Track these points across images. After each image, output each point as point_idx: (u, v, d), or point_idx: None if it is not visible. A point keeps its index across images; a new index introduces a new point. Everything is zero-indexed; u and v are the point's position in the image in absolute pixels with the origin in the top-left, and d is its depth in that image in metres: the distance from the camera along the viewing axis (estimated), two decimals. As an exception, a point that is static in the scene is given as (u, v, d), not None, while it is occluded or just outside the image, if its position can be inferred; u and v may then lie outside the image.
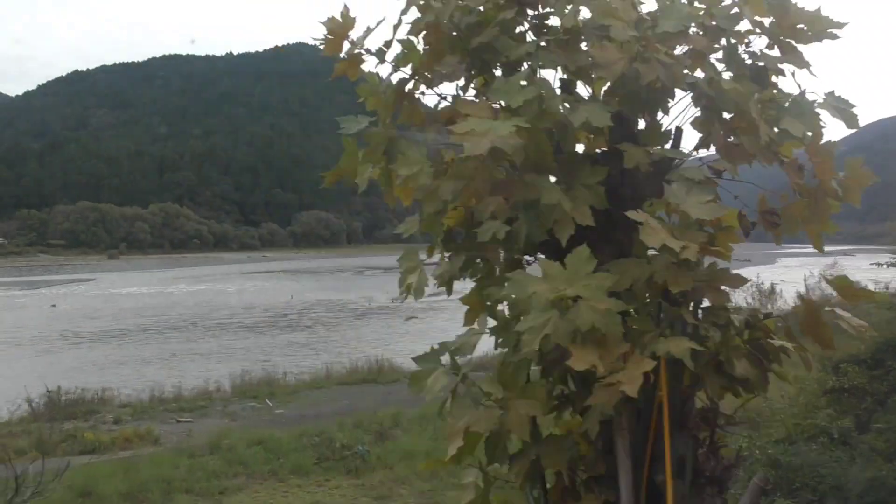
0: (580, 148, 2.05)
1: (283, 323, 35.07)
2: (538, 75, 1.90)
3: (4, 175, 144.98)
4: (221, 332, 31.04)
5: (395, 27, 2.16)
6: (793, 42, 2.01)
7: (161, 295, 51.96)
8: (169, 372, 20.81)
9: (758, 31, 1.98)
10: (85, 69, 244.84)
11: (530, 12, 2.04)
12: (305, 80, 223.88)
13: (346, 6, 2.26)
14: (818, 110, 2.01)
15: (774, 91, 2.04)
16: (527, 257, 2.16)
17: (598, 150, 2.04)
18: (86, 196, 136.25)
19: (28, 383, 18.40)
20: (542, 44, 1.95)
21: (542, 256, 2.05)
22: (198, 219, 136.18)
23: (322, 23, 2.30)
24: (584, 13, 1.93)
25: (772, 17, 1.97)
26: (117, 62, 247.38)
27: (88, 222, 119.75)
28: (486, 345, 2.28)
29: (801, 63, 2.02)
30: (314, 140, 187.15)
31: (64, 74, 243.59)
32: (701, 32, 1.94)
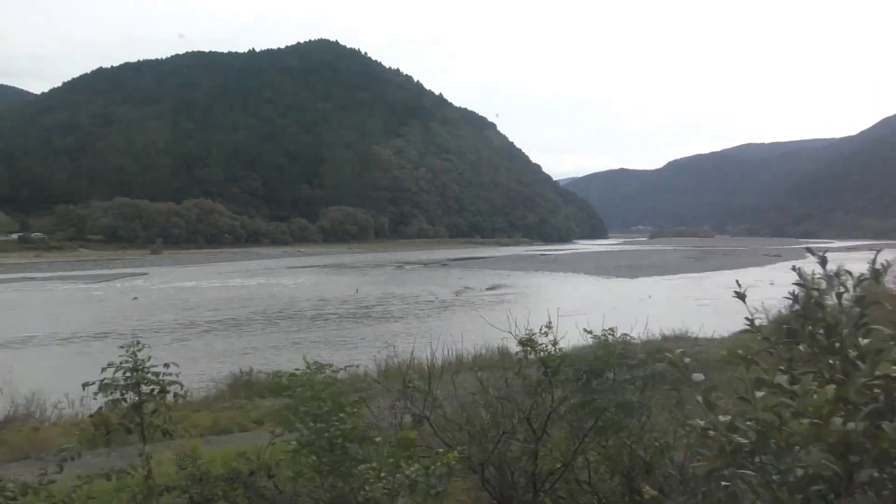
0: None
1: (374, 314, 36.16)
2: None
3: (38, 171, 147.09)
4: (324, 323, 32.15)
5: None
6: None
7: (227, 288, 53.08)
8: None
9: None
10: (109, 66, 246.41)
11: None
12: (327, 76, 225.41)
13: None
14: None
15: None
16: None
17: None
18: (116, 192, 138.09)
19: (196, 366, 19.66)
20: None
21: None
22: (230, 214, 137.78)
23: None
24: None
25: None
26: (141, 59, 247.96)
27: (126, 218, 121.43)
28: None
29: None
30: (339, 136, 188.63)
31: (88, 72, 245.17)
32: None
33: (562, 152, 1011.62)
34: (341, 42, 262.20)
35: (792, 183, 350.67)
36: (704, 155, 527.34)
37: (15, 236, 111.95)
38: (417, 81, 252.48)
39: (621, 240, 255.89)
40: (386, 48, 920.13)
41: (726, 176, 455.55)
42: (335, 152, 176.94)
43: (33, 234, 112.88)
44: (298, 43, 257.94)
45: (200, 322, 31.71)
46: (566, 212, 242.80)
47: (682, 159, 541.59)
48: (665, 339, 18.20)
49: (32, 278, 63.62)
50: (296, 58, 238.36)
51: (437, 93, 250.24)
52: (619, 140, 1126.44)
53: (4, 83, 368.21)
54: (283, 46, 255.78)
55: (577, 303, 37.99)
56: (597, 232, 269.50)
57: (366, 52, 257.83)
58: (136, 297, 44.53)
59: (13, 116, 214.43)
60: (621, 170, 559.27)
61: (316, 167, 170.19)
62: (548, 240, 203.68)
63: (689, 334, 18.56)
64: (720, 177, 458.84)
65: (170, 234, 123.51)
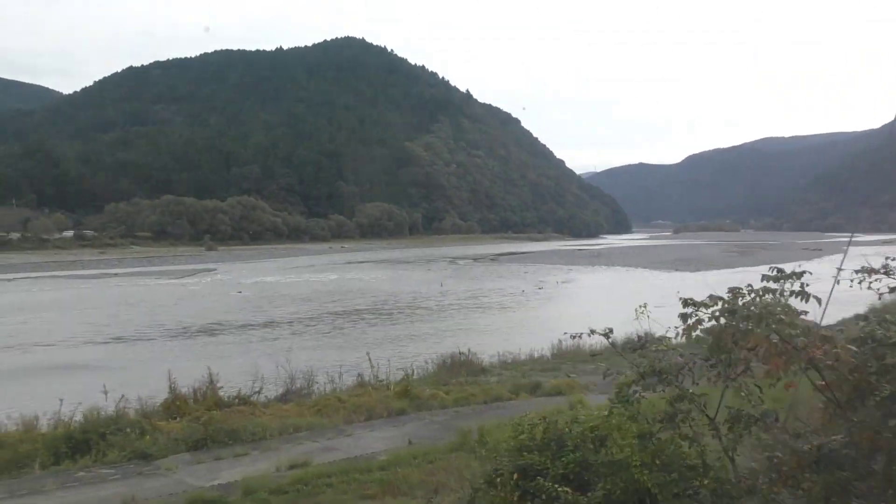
0: None
1: (486, 305, 38.20)
2: None
3: (82, 170, 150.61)
4: (448, 314, 34.25)
5: None
6: None
7: (312, 283, 55.07)
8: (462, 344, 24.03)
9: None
10: (139, 65, 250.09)
11: None
12: (356, 74, 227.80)
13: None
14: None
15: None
16: None
17: None
18: (158, 190, 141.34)
19: (405, 349, 21.88)
20: None
21: None
22: (272, 211, 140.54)
23: None
24: None
25: None
26: (171, 58, 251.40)
27: (173, 215, 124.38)
28: None
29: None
30: (371, 133, 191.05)
31: (119, 70, 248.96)
32: None
33: (579, 147, 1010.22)
34: (367, 39, 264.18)
35: (814, 177, 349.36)
36: (724, 149, 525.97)
37: (68, 234, 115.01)
38: (443, 78, 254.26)
39: (646, 234, 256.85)
40: (406, 45, 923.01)
41: (746, 170, 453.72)
42: (369, 149, 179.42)
43: (85, 232, 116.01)
44: (325, 40, 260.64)
45: (334, 312, 33.93)
46: (593, 207, 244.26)
47: (701, 153, 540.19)
48: None
49: (115, 274, 66.20)
50: (323, 55, 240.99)
51: (463, 89, 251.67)
52: (637, 134, 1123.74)
53: (29, 81, 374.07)
54: (309, 44, 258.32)
55: (668, 294, 39.91)
56: (621, 227, 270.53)
57: (392, 50, 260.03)
58: (240, 291, 46.86)
59: (48, 115, 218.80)
60: (640, 164, 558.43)
61: (350, 164, 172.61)
62: (577, 235, 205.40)
63: None
64: (740, 171, 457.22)
65: (216, 230, 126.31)
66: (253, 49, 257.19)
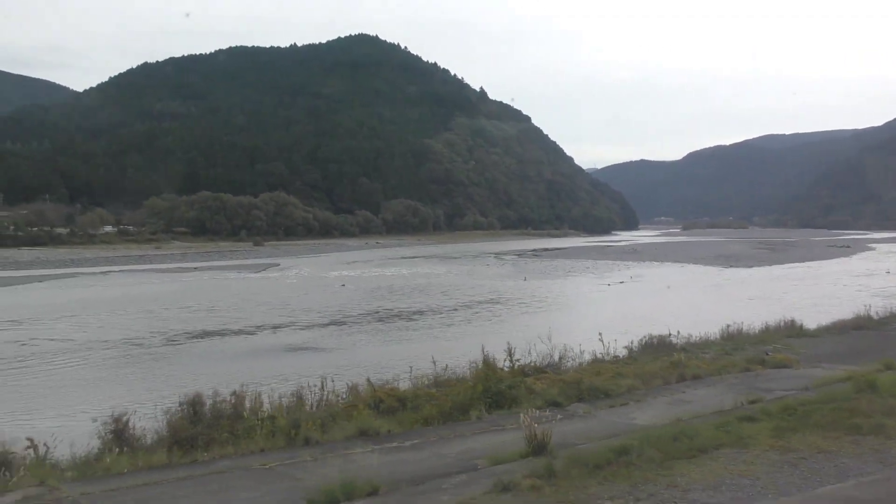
0: None
1: (598, 299, 40.88)
2: None
3: (111, 166, 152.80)
4: (566, 305, 37.08)
5: None
6: None
7: (394, 277, 57.03)
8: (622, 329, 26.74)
9: None
10: (154, 61, 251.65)
11: None
12: (371, 71, 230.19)
13: None
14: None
15: None
16: None
17: None
18: (186, 186, 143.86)
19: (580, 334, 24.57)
20: None
21: None
22: (303, 207, 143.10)
23: None
24: None
25: None
26: (185, 54, 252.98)
27: (212, 211, 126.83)
28: None
29: None
30: (391, 130, 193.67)
31: (134, 66, 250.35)
32: None
33: (580, 143, 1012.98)
34: (381, 37, 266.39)
35: (819, 174, 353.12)
36: (725, 146, 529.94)
37: (110, 229, 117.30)
38: (454, 75, 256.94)
39: (657, 231, 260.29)
40: (413, 42, 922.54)
41: (748, 167, 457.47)
42: (391, 146, 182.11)
43: (128, 227, 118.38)
44: (339, 38, 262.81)
45: (466, 303, 36.37)
46: (605, 203, 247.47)
47: (702, 150, 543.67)
48: None
49: (195, 268, 68.57)
50: (339, 52, 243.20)
51: (476, 87, 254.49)
52: (638, 131, 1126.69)
53: (37, 76, 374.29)
54: (323, 41, 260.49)
55: (763, 290, 42.98)
56: (629, 223, 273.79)
57: (405, 47, 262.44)
58: (343, 285, 49.48)
59: (64, 111, 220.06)
60: (642, 161, 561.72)
61: (372, 161, 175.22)
62: (591, 231, 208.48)
63: None
64: (742, 168, 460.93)
65: (252, 226, 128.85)
66: (267, 46, 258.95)
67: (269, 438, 10.90)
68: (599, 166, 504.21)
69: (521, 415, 9.24)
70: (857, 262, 75.18)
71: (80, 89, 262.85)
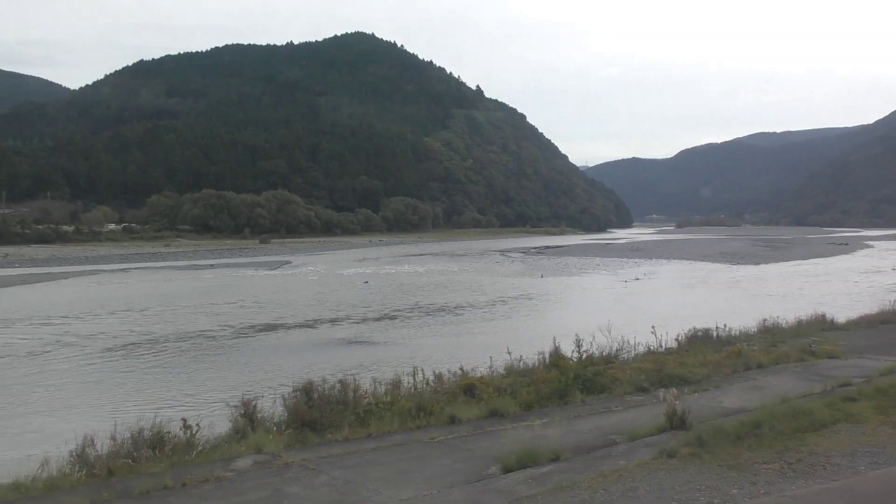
0: None
1: (621, 295, 42.07)
2: None
3: (111, 163, 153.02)
4: (593, 301, 38.24)
5: None
6: None
7: (411, 275, 58.16)
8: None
9: None
10: (150, 59, 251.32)
11: None
12: (369, 69, 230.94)
13: None
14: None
15: None
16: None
17: None
18: (187, 183, 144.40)
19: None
20: None
21: None
22: (305, 205, 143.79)
23: None
24: None
25: None
26: (181, 52, 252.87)
27: (215, 209, 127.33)
28: None
29: None
30: (390, 128, 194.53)
31: (129, 64, 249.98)
32: None
33: (571, 141, 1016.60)
34: (377, 34, 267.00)
35: (810, 172, 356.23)
36: (716, 144, 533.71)
37: (113, 226, 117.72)
38: (451, 73, 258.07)
39: (652, 229, 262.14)
40: (409, 40, 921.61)
41: (738, 165, 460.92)
42: (391, 144, 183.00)
43: (132, 225, 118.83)
44: (335, 35, 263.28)
45: (496, 300, 37.35)
46: (600, 201, 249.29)
47: (693, 148, 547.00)
48: None
49: (210, 265, 69.36)
50: (335, 50, 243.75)
51: (476, 87, 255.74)
52: (629, 129, 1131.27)
53: (25, 73, 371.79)
54: (320, 39, 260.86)
55: (779, 287, 44.32)
56: (624, 221, 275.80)
57: (401, 45, 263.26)
58: (366, 282, 50.51)
59: (61, 109, 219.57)
60: (633, 159, 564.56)
61: (372, 158, 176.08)
62: (587, 229, 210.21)
63: None
64: (732, 166, 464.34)
65: (255, 224, 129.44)
66: (264, 44, 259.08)
67: (398, 420, 11.91)
68: (591, 164, 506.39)
69: (661, 393, 10.39)
70: (860, 259, 76.79)
71: (72, 86, 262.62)
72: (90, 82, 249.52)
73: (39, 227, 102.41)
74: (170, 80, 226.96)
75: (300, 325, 27.93)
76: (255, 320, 29.10)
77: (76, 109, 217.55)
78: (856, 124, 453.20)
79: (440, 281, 51.82)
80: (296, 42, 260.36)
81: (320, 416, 12.81)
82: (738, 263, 68.77)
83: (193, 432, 11.54)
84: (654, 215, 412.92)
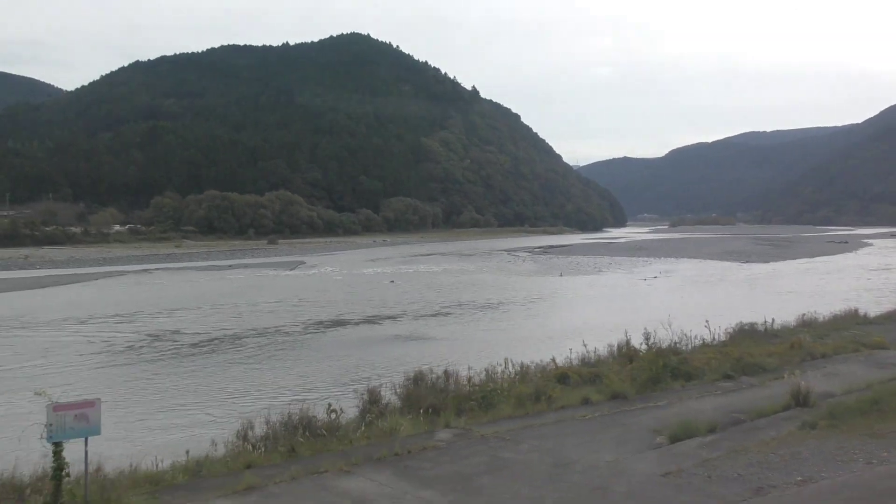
0: None
1: (643, 293, 43.38)
2: None
3: (113, 164, 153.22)
4: (626, 299, 39.53)
5: None
6: None
7: (429, 275, 59.69)
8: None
9: None
10: (146, 59, 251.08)
11: None
12: (366, 70, 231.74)
13: None
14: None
15: None
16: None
17: None
18: (188, 184, 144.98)
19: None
20: None
21: None
22: (308, 206, 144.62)
23: None
24: None
25: None
26: (178, 52, 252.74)
27: (220, 210, 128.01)
28: None
29: None
30: (388, 128, 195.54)
31: (126, 65, 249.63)
32: None
33: (561, 140, 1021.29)
34: (372, 35, 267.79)
35: (801, 171, 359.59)
36: (707, 143, 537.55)
37: (119, 227, 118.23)
38: (445, 74, 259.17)
39: (646, 228, 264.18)
40: (403, 41, 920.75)
41: (730, 164, 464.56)
42: (389, 145, 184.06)
43: (139, 226, 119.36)
44: (331, 36, 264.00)
45: (532, 298, 38.95)
46: (596, 201, 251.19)
47: (684, 147, 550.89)
48: None
49: (228, 266, 70.22)
50: (332, 51, 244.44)
51: (468, 87, 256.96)
52: (620, 128, 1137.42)
53: (17, 73, 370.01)
54: (315, 40, 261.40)
55: (796, 284, 45.75)
56: (618, 220, 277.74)
57: (397, 46, 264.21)
58: (392, 281, 51.58)
59: (57, 110, 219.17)
60: (625, 158, 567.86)
61: (371, 159, 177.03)
62: (584, 228, 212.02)
63: None
64: (724, 165, 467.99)
65: (259, 224, 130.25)
66: (259, 45, 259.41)
67: (516, 403, 13.07)
68: (582, 163, 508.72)
69: (786, 374, 11.65)
70: (863, 257, 78.56)
71: (64, 86, 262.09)
72: (85, 83, 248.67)
73: (48, 228, 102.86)
74: (166, 81, 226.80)
75: (363, 322, 29.10)
76: (319, 317, 30.28)
77: (73, 110, 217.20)
78: (846, 123, 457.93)
79: (464, 280, 52.92)
80: (291, 43, 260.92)
81: (436, 401, 14.10)
82: (748, 262, 70.19)
83: (338, 415, 12.80)
84: (646, 214, 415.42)
